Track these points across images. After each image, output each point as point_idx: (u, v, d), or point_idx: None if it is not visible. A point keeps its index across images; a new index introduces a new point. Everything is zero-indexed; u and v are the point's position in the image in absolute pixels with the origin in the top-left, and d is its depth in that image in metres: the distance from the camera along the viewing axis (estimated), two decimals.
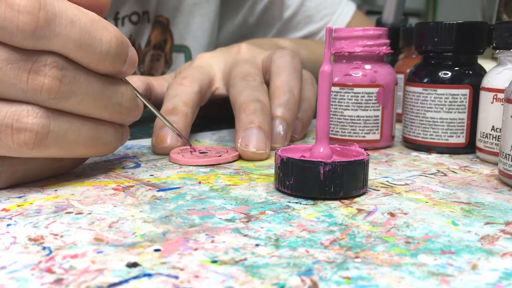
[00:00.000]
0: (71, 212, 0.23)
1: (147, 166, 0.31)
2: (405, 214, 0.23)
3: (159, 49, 0.64)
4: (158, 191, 0.26)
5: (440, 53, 0.36)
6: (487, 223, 0.22)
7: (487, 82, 0.33)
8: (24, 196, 0.25)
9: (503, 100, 0.30)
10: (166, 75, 0.49)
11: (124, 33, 0.60)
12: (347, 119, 0.37)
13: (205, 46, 0.67)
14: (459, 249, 0.19)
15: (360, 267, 0.18)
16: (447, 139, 0.36)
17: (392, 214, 0.23)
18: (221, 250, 0.19)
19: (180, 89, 0.37)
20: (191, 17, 0.65)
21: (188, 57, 0.66)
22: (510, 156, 0.27)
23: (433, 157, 0.35)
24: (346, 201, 0.25)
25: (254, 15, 0.70)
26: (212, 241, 0.20)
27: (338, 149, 0.28)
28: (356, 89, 0.36)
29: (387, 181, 0.29)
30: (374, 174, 0.30)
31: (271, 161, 0.33)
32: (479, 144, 0.34)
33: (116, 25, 0.60)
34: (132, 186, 0.27)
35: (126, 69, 0.26)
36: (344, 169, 0.25)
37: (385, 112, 0.37)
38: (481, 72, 0.36)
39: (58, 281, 0.16)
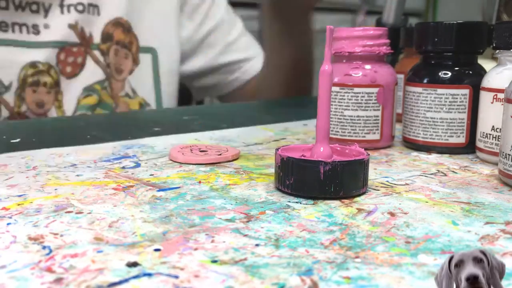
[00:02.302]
0: (71, 212, 0.23)
1: (147, 165, 0.31)
2: (405, 213, 0.23)
3: (126, 48, 0.66)
4: (158, 191, 0.26)
5: (440, 53, 0.36)
6: (487, 223, 0.22)
7: (487, 82, 0.33)
8: (24, 195, 0.25)
9: (503, 100, 0.30)
10: None
11: (70, 19, 0.61)
12: (347, 119, 0.37)
13: (172, 47, 0.71)
14: (459, 248, 0.19)
15: (360, 267, 0.18)
16: (447, 139, 0.36)
17: (392, 214, 0.23)
18: (221, 250, 0.19)
19: None
20: (155, 20, 0.69)
21: (155, 58, 0.70)
22: (510, 156, 0.27)
23: (433, 157, 0.35)
24: (346, 201, 0.25)
25: (200, 32, 0.75)
26: (212, 241, 0.20)
27: (338, 148, 0.28)
28: (356, 89, 0.36)
29: (387, 181, 0.29)
30: (374, 174, 0.30)
31: (271, 161, 0.33)
32: (479, 144, 0.34)
33: (62, 12, 0.61)
34: (132, 186, 0.27)
35: None
36: (344, 168, 0.25)
37: (385, 112, 0.37)
38: (481, 72, 0.36)
39: (58, 280, 0.16)
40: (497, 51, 0.33)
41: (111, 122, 0.49)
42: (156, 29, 0.69)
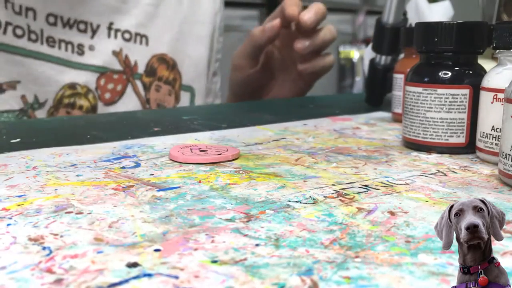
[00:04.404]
0: (71, 212, 0.23)
1: (147, 165, 0.31)
2: (405, 213, 0.23)
3: (169, 85, 0.68)
4: (158, 190, 0.26)
5: (440, 53, 0.36)
6: None
7: (487, 82, 0.33)
8: (24, 195, 0.25)
9: (503, 100, 0.30)
10: None
11: (115, 45, 0.62)
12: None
13: (203, 91, 0.73)
14: None
15: (360, 266, 0.18)
16: (447, 139, 0.36)
17: (392, 213, 0.23)
18: (221, 250, 0.19)
19: None
20: (198, 62, 0.71)
21: (193, 97, 0.71)
22: (510, 156, 0.27)
23: (433, 157, 0.35)
24: (346, 200, 0.25)
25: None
26: (212, 241, 0.20)
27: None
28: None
29: (387, 180, 0.29)
30: (374, 174, 0.30)
31: (271, 160, 0.33)
32: (479, 144, 0.34)
33: (109, 35, 0.61)
34: (132, 186, 0.27)
35: None
36: None
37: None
38: (481, 72, 0.36)
39: (58, 281, 0.16)
40: (497, 51, 0.33)
41: (111, 122, 0.49)
42: (196, 70, 0.70)
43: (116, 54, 0.62)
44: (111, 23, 0.61)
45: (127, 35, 0.63)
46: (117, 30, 0.62)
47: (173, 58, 0.67)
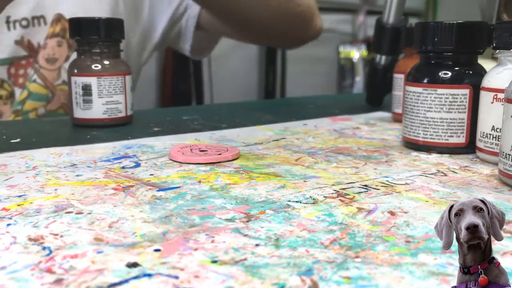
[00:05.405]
0: (71, 212, 0.23)
1: (147, 165, 0.31)
2: (405, 213, 0.23)
3: (59, 36, 0.67)
4: (158, 190, 0.26)
5: (440, 53, 0.36)
6: None
7: (487, 82, 0.33)
8: (24, 195, 0.25)
9: (503, 100, 0.30)
10: None
11: (16, 35, 0.63)
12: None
13: None
14: None
15: (360, 266, 0.18)
16: (447, 139, 0.36)
17: (392, 213, 0.23)
18: (221, 250, 0.19)
19: None
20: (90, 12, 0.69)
21: None
22: (510, 156, 0.27)
23: (433, 157, 0.35)
24: (346, 200, 0.25)
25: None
26: (212, 241, 0.20)
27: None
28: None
29: (387, 180, 0.29)
30: (374, 174, 0.30)
31: (271, 160, 0.33)
32: (479, 144, 0.34)
33: (8, 28, 0.63)
34: (132, 186, 0.27)
35: None
36: None
37: None
38: (481, 72, 0.36)
39: (58, 281, 0.16)
40: (497, 51, 0.33)
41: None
42: (87, 11, 0.68)
43: (19, 42, 0.63)
44: (8, 17, 0.63)
45: (24, 22, 0.64)
46: (15, 21, 0.63)
47: (62, 14, 0.67)
